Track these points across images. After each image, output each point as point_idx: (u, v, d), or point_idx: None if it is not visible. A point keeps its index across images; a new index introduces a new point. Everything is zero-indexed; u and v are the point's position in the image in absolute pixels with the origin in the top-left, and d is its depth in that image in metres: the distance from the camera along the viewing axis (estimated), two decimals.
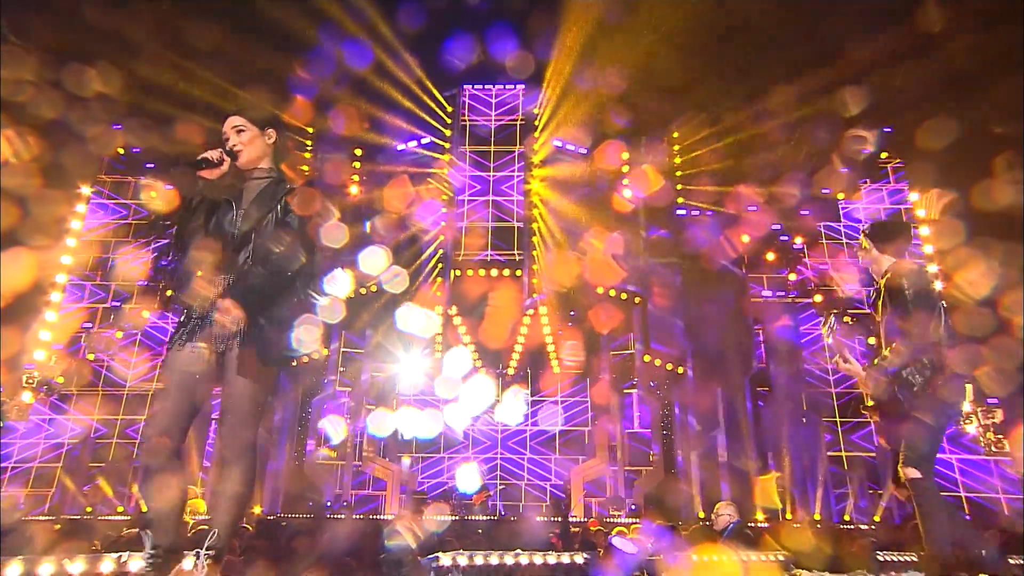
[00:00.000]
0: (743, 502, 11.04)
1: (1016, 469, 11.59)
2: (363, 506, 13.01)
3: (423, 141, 13.80)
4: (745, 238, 13.05)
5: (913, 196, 13.20)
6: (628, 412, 13.50)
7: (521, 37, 12.91)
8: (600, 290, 12.89)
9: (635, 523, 10.01)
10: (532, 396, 14.08)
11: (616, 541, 6.69)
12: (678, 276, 13.08)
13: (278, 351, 2.95)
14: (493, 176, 14.05)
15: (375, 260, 11.79)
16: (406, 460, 13.39)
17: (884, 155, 13.19)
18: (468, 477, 12.28)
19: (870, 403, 4.11)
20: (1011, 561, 4.44)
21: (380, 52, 12.50)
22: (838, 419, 12.74)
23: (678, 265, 13.11)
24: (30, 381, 11.43)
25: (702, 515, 11.88)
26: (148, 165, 12.45)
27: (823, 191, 13.13)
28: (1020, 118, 9.93)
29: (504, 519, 11.09)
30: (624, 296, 12.98)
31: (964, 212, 11.74)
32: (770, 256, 13.21)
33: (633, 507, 11.94)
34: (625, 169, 13.35)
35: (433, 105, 13.55)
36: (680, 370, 12.82)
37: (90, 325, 12.54)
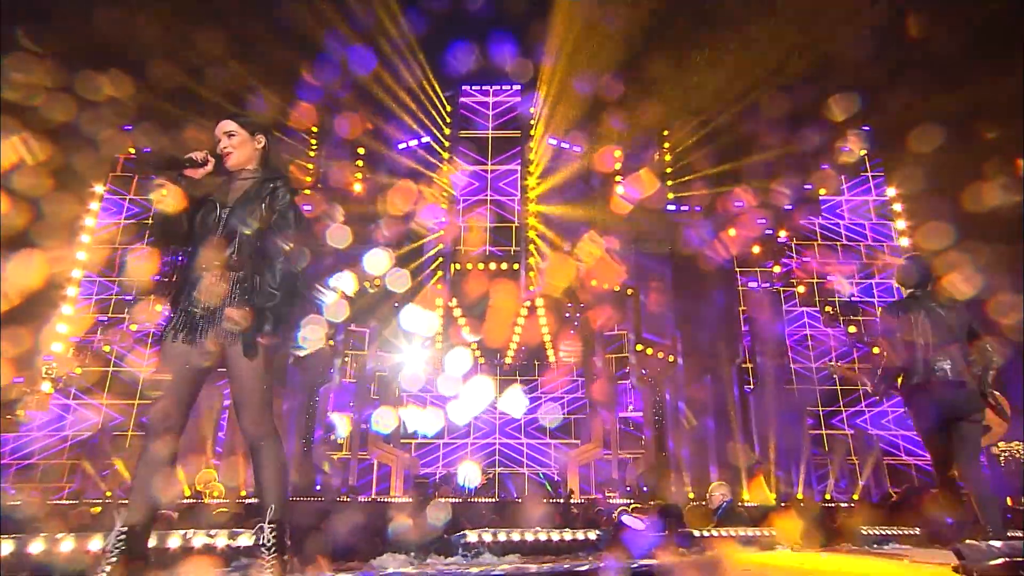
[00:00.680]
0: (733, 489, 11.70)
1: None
2: (367, 491, 13.51)
3: (423, 140, 14.34)
4: (732, 232, 13.66)
5: (890, 191, 13.90)
6: (622, 399, 14.10)
7: (518, 40, 13.53)
8: (594, 282, 13.50)
9: (634, 504, 10.69)
10: (528, 386, 14.63)
11: (626, 519, 6.89)
12: (669, 269, 13.67)
13: (284, 346, 3.06)
14: (491, 174, 14.64)
15: (378, 260, 12.31)
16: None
17: (863, 152, 13.84)
18: (469, 474, 12.87)
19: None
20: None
21: (382, 54, 13.05)
22: (820, 404, 13.41)
23: (669, 259, 13.69)
24: (48, 372, 11.99)
25: (692, 495, 12.53)
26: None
27: (805, 187, 13.74)
28: (1005, 116, 10.48)
29: (511, 500, 11.67)
30: (617, 289, 13.60)
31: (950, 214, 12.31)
32: (756, 249, 13.83)
33: (627, 488, 12.59)
34: (618, 167, 13.93)
35: (433, 105, 14.09)
36: (671, 359, 13.45)
37: (105, 319, 13.07)
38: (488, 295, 13.31)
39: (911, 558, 4.23)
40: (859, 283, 13.60)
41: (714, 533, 6.97)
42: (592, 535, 5.64)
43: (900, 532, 7.19)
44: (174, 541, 4.75)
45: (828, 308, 13.38)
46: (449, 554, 5.49)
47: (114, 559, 2.76)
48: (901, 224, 13.59)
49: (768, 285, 13.81)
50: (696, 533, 6.81)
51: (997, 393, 4.37)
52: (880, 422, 13.22)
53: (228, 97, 12.00)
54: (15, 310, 10.53)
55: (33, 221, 10.95)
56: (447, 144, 14.45)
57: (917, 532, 7.17)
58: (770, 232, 13.90)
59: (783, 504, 11.58)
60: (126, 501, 2.95)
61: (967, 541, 3.11)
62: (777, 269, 13.84)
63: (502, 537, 5.76)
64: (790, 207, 13.71)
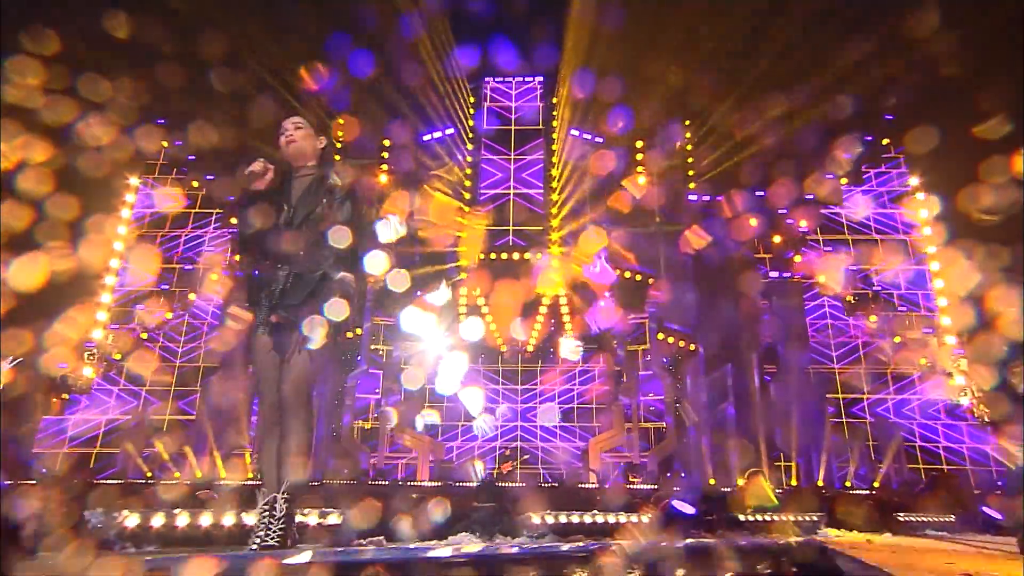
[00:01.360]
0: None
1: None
2: (393, 475, 14.04)
3: (447, 132, 14.64)
4: (753, 222, 13.78)
5: (913, 180, 13.94)
6: (643, 387, 14.37)
7: (541, 31, 13.69)
8: (616, 272, 13.74)
9: (655, 488, 10.97)
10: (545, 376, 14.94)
11: (676, 503, 7.12)
12: (690, 259, 13.85)
13: (339, 330, 3.40)
14: (514, 164, 14.93)
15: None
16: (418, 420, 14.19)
17: (885, 141, 13.88)
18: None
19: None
20: None
21: (406, 47, 13.27)
22: (840, 392, 13.56)
23: (690, 248, 13.86)
24: (91, 357, 12.56)
25: (713, 482, 12.79)
26: (191, 158, 13.43)
27: (827, 176, 13.81)
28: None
29: (562, 485, 11.94)
30: (639, 278, 13.83)
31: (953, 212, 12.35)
32: (776, 239, 13.96)
33: (650, 473, 12.90)
34: (640, 156, 14.12)
35: (456, 98, 14.37)
36: (692, 347, 13.67)
37: (142, 307, 13.62)
38: (511, 285, 13.57)
39: (972, 546, 4.48)
40: (881, 272, 13.65)
41: (758, 518, 7.42)
42: (646, 518, 5.95)
43: (936, 519, 7.42)
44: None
45: (850, 298, 13.48)
46: (514, 535, 5.71)
47: (280, 529, 3.10)
48: (924, 213, 13.62)
49: (789, 275, 13.92)
50: (741, 518, 7.27)
51: None
52: (902, 411, 13.34)
53: (256, 87, 12.32)
54: (55, 297, 11.00)
55: (72, 212, 11.38)
56: (470, 135, 14.73)
57: (952, 519, 7.36)
58: (791, 221, 13.97)
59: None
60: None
61: None
62: (798, 259, 13.95)
63: (563, 519, 6.13)
64: (810, 196, 13.78)
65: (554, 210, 14.12)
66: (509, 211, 14.69)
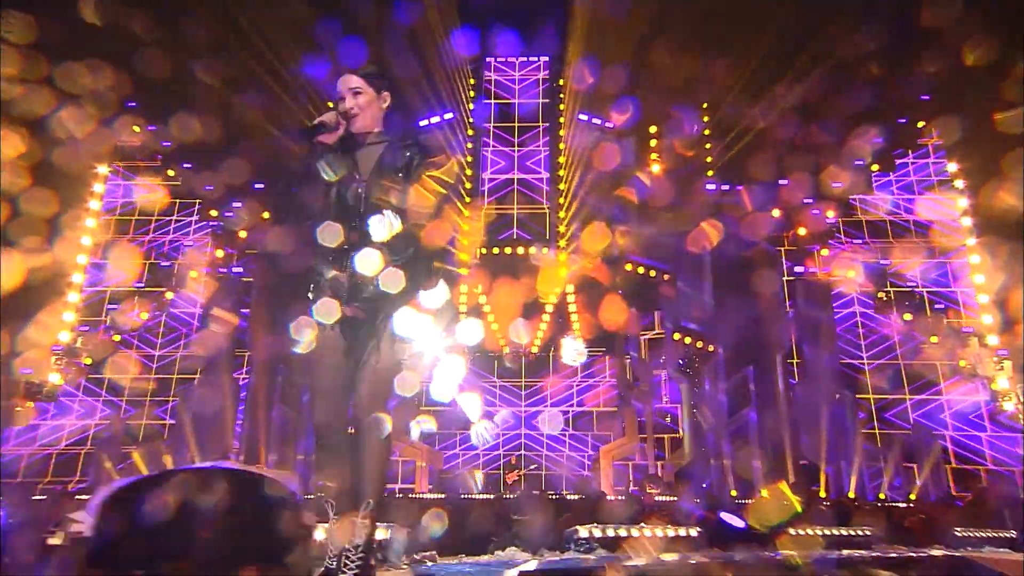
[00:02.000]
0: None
1: None
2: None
3: (445, 117, 13.70)
4: (776, 213, 12.91)
5: (951, 167, 12.99)
6: (657, 391, 13.50)
7: (546, 8, 12.80)
8: (628, 267, 12.88)
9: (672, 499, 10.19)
10: (555, 375, 14.17)
11: (725, 516, 7.06)
12: (707, 252, 12.96)
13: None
14: (518, 152, 13.98)
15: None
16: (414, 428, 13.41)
17: (921, 124, 12.96)
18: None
19: None
20: None
21: (401, 24, 12.38)
22: (871, 396, 12.66)
23: (706, 241, 12.97)
24: (59, 361, 11.60)
25: (734, 493, 11.94)
26: (165, 144, 12.48)
27: (856, 162, 12.91)
28: None
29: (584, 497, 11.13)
30: (653, 273, 12.97)
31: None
32: (802, 231, 13.07)
33: (668, 484, 12.03)
34: (653, 143, 13.23)
35: (456, 79, 13.43)
36: (710, 348, 12.79)
37: (115, 306, 12.66)
38: (515, 281, 12.68)
39: None
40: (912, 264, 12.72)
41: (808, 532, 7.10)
42: (693, 531, 5.76)
43: (996, 534, 6.95)
44: None
45: (881, 295, 12.56)
46: (562, 549, 5.69)
47: (359, 557, 2.75)
48: (964, 202, 12.67)
49: (815, 270, 13.01)
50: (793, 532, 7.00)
51: None
52: (939, 417, 12.40)
53: (239, 68, 11.45)
54: (19, 300, 10.13)
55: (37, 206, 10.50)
56: (471, 120, 13.77)
57: (1014, 535, 6.95)
58: (817, 212, 13.06)
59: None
60: None
61: None
62: (825, 252, 13.04)
63: (610, 533, 5.88)
64: (838, 184, 12.87)
65: (561, 200, 13.18)
66: (512, 202, 13.73)
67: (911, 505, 11.42)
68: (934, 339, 12.17)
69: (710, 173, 13.35)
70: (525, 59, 14.24)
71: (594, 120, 13.43)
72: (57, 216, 11.22)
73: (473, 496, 11.62)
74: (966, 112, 11.80)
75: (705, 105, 13.55)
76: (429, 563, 4.32)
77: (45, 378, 11.42)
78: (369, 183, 2.93)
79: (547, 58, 14.12)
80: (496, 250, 13.00)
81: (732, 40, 12.24)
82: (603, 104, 13.05)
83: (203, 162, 12.18)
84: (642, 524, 5.86)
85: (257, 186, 12.65)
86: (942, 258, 12.88)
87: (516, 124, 14.20)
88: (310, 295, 2.94)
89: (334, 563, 2.76)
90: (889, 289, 12.63)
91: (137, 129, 12.69)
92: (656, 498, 10.91)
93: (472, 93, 13.91)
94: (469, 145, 13.67)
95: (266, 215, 12.79)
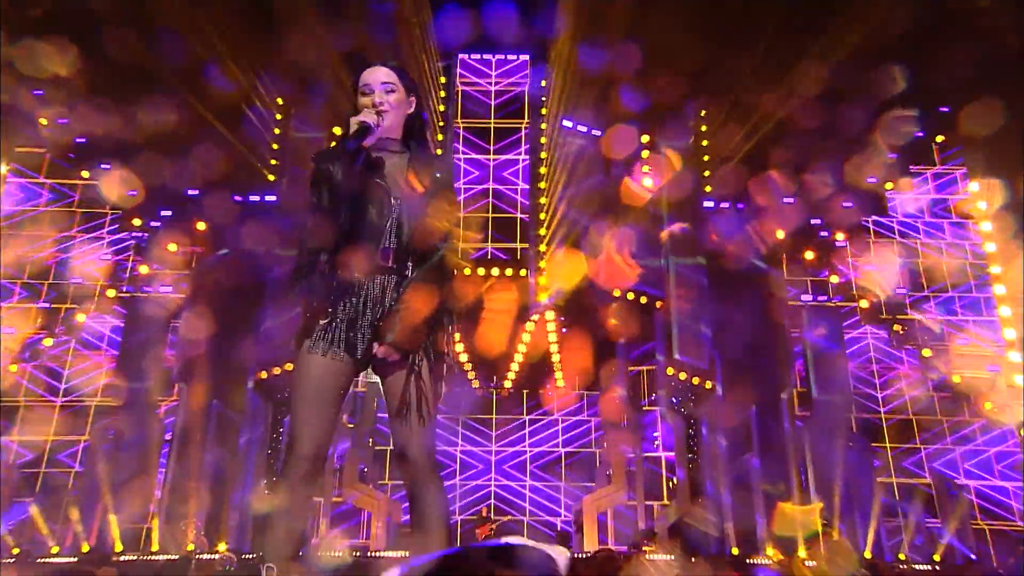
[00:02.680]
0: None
1: None
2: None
3: None
4: (780, 234, 11.68)
5: (973, 186, 11.90)
6: (647, 432, 12.27)
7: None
8: (616, 292, 11.55)
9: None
10: (530, 415, 12.99)
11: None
12: (704, 277, 11.74)
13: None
14: (494, 161, 12.53)
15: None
16: None
17: (940, 139, 11.87)
18: None
19: None
20: None
21: (364, 15, 11.03)
22: (888, 442, 11.40)
23: (704, 265, 11.75)
24: None
25: (736, 551, 10.63)
26: (79, 140, 10.76)
27: (868, 180, 11.77)
28: None
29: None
30: (644, 300, 11.73)
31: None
32: (809, 255, 11.87)
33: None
34: (644, 154, 11.93)
35: (424, 77, 11.97)
36: (708, 384, 11.57)
37: (10, 330, 10.79)
38: (488, 303, 11.23)
39: None
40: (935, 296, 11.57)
41: None
42: None
43: None
44: None
45: (897, 327, 11.36)
46: None
47: None
48: (986, 226, 11.56)
49: (825, 298, 11.78)
50: None
51: None
52: (966, 466, 11.15)
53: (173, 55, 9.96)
54: None
55: None
56: (440, 124, 12.29)
57: None
58: (826, 234, 11.86)
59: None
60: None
61: None
62: (835, 279, 11.81)
63: None
64: (849, 204, 11.71)
65: (542, 215, 11.77)
66: (488, 217, 12.26)
67: (936, 568, 10.21)
68: (957, 378, 10.96)
69: (708, 188, 12.08)
70: (503, 55, 12.82)
71: (580, 125, 12.08)
72: None
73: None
74: (989, 126, 10.76)
75: (704, 112, 12.29)
76: None
77: None
78: (403, 199, 2.70)
79: (528, 56, 12.72)
80: (468, 271, 11.50)
81: (736, 41, 11.12)
82: (591, 106, 11.72)
83: (125, 162, 10.49)
84: None
85: (191, 192, 11.02)
86: (961, 288, 11.74)
87: (492, 128, 12.75)
88: (319, 326, 2.59)
89: None
90: (906, 319, 11.43)
91: (44, 122, 10.91)
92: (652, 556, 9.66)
93: (443, 93, 12.46)
94: (439, 151, 12.16)
95: (201, 226, 11.17)
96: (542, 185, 12.03)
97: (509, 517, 12.26)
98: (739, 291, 11.69)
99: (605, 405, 12.35)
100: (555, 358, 12.34)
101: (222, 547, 10.31)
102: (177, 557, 9.72)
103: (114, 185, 10.64)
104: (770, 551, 10.34)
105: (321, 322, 2.61)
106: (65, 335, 10.68)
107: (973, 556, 10.39)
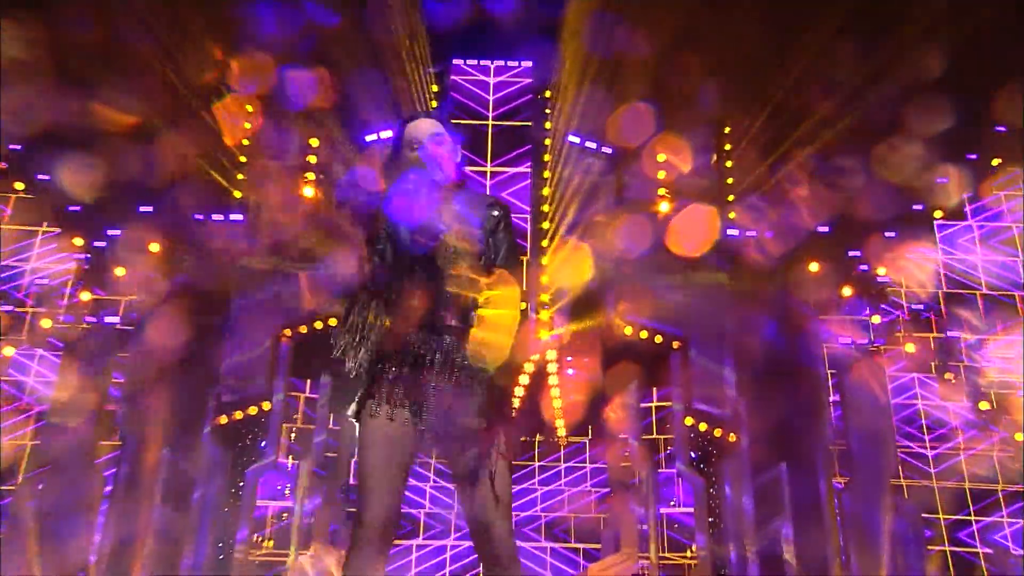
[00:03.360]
0: None
1: None
2: None
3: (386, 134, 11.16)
4: (815, 267, 10.50)
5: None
6: (664, 492, 11.07)
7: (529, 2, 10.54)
8: (628, 331, 10.35)
9: None
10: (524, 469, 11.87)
11: None
12: (729, 316, 10.51)
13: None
14: (491, 179, 11.41)
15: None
16: None
17: (996, 162, 10.75)
18: None
19: None
20: None
21: (346, 14, 10.04)
22: (940, 509, 10.09)
23: (729, 301, 10.55)
24: None
25: None
26: (13, 147, 9.54)
27: (915, 207, 10.65)
28: None
29: None
30: (659, 339, 10.52)
31: None
32: (847, 291, 10.65)
33: None
34: (661, 175, 10.78)
35: (414, 85, 10.88)
36: (732, 437, 10.33)
37: None
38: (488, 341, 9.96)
39: None
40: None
41: None
42: None
43: None
44: None
45: (949, 375, 10.11)
46: None
47: None
48: None
49: (866, 341, 10.57)
50: None
51: None
52: None
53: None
54: None
55: None
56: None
57: None
58: (866, 268, 10.69)
59: None
60: None
61: None
62: (876, 320, 10.58)
63: None
64: (892, 234, 10.57)
65: (545, 243, 10.61)
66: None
67: None
68: (1019, 436, 9.65)
69: (732, 215, 10.93)
70: (503, 63, 11.71)
71: (588, 142, 10.97)
72: None
73: None
74: None
75: (728, 129, 11.19)
76: None
77: None
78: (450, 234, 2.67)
79: (530, 63, 11.61)
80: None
81: (764, 50, 10.09)
82: (600, 122, 10.65)
83: (68, 172, 9.32)
84: None
85: (143, 209, 9.81)
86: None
87: (489, 145, 11.62)
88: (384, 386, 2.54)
89: None
90: (960, 364, 10.19)
91: None
92: None
93: (434, 103, 11.35)
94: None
95: (154, 247, 9.93)
96: (545, 208, 10.89)
97: None
98: (767, 331, 10.63)
99: (611, 459, 11.21)
100: (556, 403, 11.21)
101: None
102: None
103: (55, 198, 9.46)
104: None
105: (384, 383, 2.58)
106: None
107: None
